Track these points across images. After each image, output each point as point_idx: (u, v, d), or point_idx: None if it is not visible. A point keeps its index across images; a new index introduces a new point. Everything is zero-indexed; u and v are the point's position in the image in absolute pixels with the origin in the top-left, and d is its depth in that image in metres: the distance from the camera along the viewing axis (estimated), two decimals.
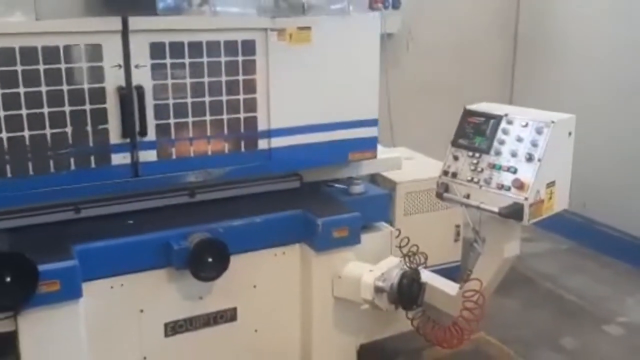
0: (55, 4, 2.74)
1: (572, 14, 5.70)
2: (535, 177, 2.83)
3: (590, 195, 5.52)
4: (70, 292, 2.62)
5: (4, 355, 2.68)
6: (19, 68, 2.63)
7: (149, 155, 2.94)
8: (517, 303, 4.57)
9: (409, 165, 4.19)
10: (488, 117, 3.04)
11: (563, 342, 4.15)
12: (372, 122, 3.43)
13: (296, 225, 3.18)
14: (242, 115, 3.12)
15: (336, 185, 3.52)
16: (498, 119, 3.01)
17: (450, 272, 4.12)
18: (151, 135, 2.93)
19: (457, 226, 4.43)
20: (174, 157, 3.01)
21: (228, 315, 3.11)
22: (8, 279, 2.46)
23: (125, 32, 2.80)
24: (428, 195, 4.19)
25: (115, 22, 2.78)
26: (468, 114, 3.11)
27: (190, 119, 3.00)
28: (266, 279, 3.17)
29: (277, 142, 3.19)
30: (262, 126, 3.16)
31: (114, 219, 2.99)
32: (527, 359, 3.96)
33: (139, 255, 2.85)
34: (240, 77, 3.07)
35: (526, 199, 2.82)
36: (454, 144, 3.10)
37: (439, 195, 3.10)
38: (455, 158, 3.08)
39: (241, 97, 3.09)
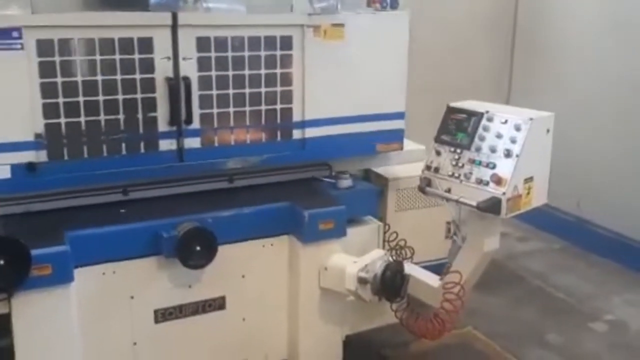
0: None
1: (570, 14, 5.77)
2: (512, 173, 2.92)
3: (585, 195, 5.59)
4: (62, 277, 2.72)
5: (1, 337, 2.77)
6: (77, 58, 2.84)
7: (193, 142, 3.15)
8: (506, 300, 4.66)
9: None
10: (470, 114, 3.14)
11: (548, 338, 4.24)
12: (399, 115, 3.61)
13: (284, 216, 3.27)
14: (278, 107, 3.32)
15: (325, 179, 3.61)
16: (479, 116, 3.10)
17: (441, 268, 4.19)
18: (196, 124, 3.12)
19: (448, 223, 4.48)
20: (216, 144, 3.21)
21: (217, 304, 3.20)
22: (2, 262, 2.57)
23: (174, 27, 2.98)
24: (419, 192, 4.25)
25: (165, 17, 2.97)
26: (451, 111, 3.21)
27: (231, 109, 3.20)
28: (254, 269, 3.27)
29: (311, 132, 3.39)
30: (296, 117, 3.36)
31: (107, 208, 3.08)
32: (513, 353, 4.04)
33: (130, 243, 2.95)
34: (278, 71, 3.27)
35: (504, 193, 2.91)
36: (437, 140, 3.20)
37: (421, 189, 3.19)
38: (438, 153, 3.18)
39: (278, 89, 3.30)
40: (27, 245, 2.60)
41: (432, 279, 3.38)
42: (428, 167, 3.20)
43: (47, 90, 2.81)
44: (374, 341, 3.86)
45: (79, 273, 2.80)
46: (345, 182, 3.51)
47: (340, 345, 3.51)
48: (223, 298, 3.22)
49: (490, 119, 3.07)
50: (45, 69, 2.80)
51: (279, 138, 3.36)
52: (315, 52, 3.31)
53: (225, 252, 3.07)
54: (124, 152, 3.02)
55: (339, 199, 3.38)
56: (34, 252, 2.62)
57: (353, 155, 3.61)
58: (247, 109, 3.25)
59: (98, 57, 2.88)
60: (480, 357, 4.02)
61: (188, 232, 2.93)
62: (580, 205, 5.62)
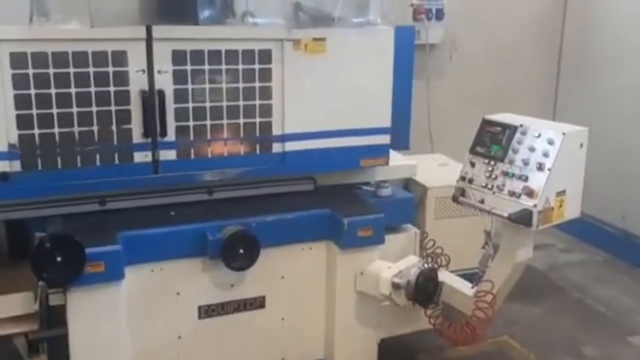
0: (110, 14, 3.02)
1: (618, 27, 5.70)
2: (544, 186, 2.98)
3: (630, 208, 5.54)
4: (114, 274, 2.91)
5: (57, 327, 2.97)
6: (50, 71, 2.91)
7: (168, 154, 3.18)
8: (544, 310, 4.67)
9: (442, 171, 4.35)
10: (504, 127, 3.22)
11: (585, 350, 4.24)
12: (385, 130, 3.60)
13: (324, 223, 3.39)
14: (257, 120, 3.32)
15: (365, 187, 3.72)
16: (513, 129, 3.18)
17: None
18: (171, 136, 3.16)
19: (488, 232, 4.54)
20: (192, 156, 3.23)
21: (257, 303, 3.35)
22: (59, 259, 2.77)
23: (149, 40, 3.03)
24: None
25: (139, 31, 3.01)
26: (486, 123, 3.29)
27: (208, 122, 3.22)
28: (293, 271, 3.40)
29: (291, 146, 3.39)
30: (276, 131, 3.37)
31: (158, 210, 3.27)
32: None
33: (177, 243, 3.12)
34: (257, 84, 3.28)
35: (535, 205, 2.98)
36: (472, 151, 3.29)
37: (455, 199, 3.29)
38: (472, 165, 3.27)
39: (257, 102, 3.31)
40: (82, 243, 2.81)
41: (466, 287, 3.46)
42: (462, 178, 3.29)
43: (21, 102, 2.88)
44: (409, 345, 3.94)
45: (129, 270, 2.97)
46: (385, 191, 3.62)
47: (376, 348, 3.61)
48: (263, 297, 3.36)
49: (524, 133, 3.14)
50: (19, 81, 2.85)
51: (258, 151, 3.36)
52: (295, 66, 3.29)
53: (267, 255, 3.21)
54: (98, 163, 3.06)
55: (377, 207, 3.48)
56: (89, 250, 2.81)
57: (336, 169, 3.58)
58: (225, 121, 3.25)
59: (72, 70, 2.92)
60: None
61: (232, 235, 3.09)
62: (625, 218, 5.57)
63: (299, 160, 3.43)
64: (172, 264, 3.14)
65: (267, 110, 3.33)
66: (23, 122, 2.90)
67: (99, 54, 2.96)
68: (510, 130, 3.18)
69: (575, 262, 5.50)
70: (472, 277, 3.75)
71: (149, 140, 3.12)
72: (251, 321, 3.35)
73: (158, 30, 3.03)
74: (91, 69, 2.96)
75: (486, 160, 3.21)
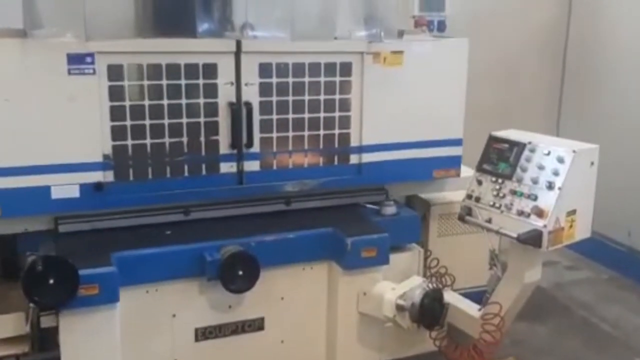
0: (106, 26, 2.96)
1: (621, 42, 5.65)
2: (554, 205, 2.89)
3: (636, 225, 5.45)
4: (108, 297, 2.81)
5: (49, 349, 2.90)
6: (145, 83, 3.00)
7: (253, 165, 3.26)
8: (550, 329, 4.56)
9: None
10: (512, 144, 3.13)
11: None
12: (457, 142, 3.64)
13: (326, 242, 3.29)
14: (336, 132, 3.41)
15: (368, 205, 3.62)
16: (521, 146, 3.09)
17: (483, 296, 4.16)
18: (256, 147, 3.23)
19: (492, 250, 4.45)
20: (274, 167, 3.32)
21: (256, 325, 3.26)
22: (51, 281, 2.67)
23: (238, 53, 3.11)
24: None
25: (230, 44, 3.11)
26: (493, 140, 3.20)
27: (290, 134, 3.31)
28: (293, 292, 3.31)
29: (368, 157, 3.47)
30: (354, 142, 3.44)
31: (153, 229, 3.17)
32: None
33: (174, 264, 3.03)
34: (337, 96, 3.37)
35: (545, 226, 2.88)
36: (479, 168, 3.20)
37: (461, 218, 3.19)
38: (479, 182, 3.17)
39: (337, 114, 3.38)
40: (75, 265, 2.70)
41: (472, 309, 3.36)
42: (469, 196, 3.19)
43: (116, 113, 2.97)
44: None
45: (123, 291, 2.88)
46: (389, 209, 3.52)
47: None
48: (262, 319, 3.27)
49: (532, 150, 3.05)
50: (115, 93, 2.95)
51: (336, 162, 3.44)
52: (374, 78, 3.39)
53: (266, 275, 3.12)
54: (186, 173, 3.13)
55: (382, 226, 3.39)
56: (82, 272, 2.72)
57: (409, 180, 3.65)
58: (306, 133, 3.34)
59: (165, 82, 3.01)
60: None
61: (231, 256, 2.99)
62: (631, 235, 5.48)
63: (374, 172, 3.49)
64: (168, 285, 3.05)
65: (346, 122, 3.41)
66: (117, 133, 2.99)
67: (191, 66, 3.05)
68: (518, 147, 3.09)
69: (581, 279, 5.40)
70: (476, 295, 3.68)
71: (235, 151, 3.20)
72: (250, 344, 3.25)
73: (247, 44, 3.13)
74: (183, 81, 3.04)
75: (493, 178, 3.12)
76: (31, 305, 2.79)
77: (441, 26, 5.49)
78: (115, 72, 2.94)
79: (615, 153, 5.27)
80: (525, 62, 6.10)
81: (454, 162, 3.65)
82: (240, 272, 3.03)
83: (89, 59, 2.87)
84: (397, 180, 3.60)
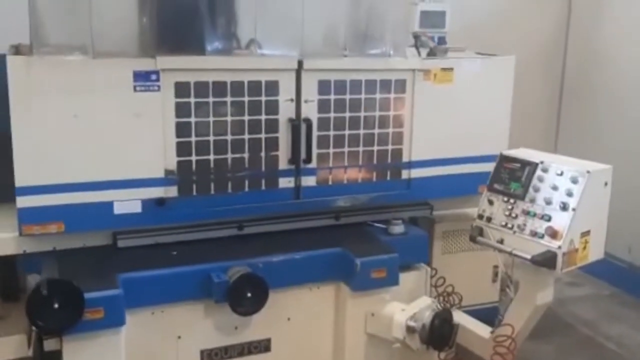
0: (111, 45, 2.92)
1: (620, 59, 5.65)
2: (569, 226, 2.85)
3: (636, 240, 5.43)
4: (114, 320, 2.74)
5: None
6: (210, 100, 3.04)
7: (309, 180, 3.31)
8: (556, 348, 4.51)
9: None
10: (524, 163, 3.09)
11: None
12: None
13: (334, 263, 3.24)
14: (389, 147, 3.47)
15: (376, 224, 3.57)
16: (534, 166, 3.06)
17: (487, 313, 4.09)
18: (313, 163, 3.28)
19: (496, 267, 4.41)
20: (330, 183, 3.36)
21: (262, 346, 3.19)
22: (56, 305, 2.59)
23: (299, 71, 3.17)
24: (466, 235, 4.19)
25: (292, 61, 3.16)
26: (504, 159, 3.16)
27: (346, 149, 3.36)
28: (300, 313, 3.25)
29: (417, 172, 3.53)
30: (405, 157, 3.51)
31: (157, 249, 3.10)
32: None
33: (181, 286, 2.96)
34: (391, 113, 3.43)
35: (560, 247, 2.84)
36: (490, 188, 3.16)
37: (473, 239, 3.14)
38: (490, 202, 3.13)
39: (390, 130, 3.44)
40: (80, 288, 2.63)
41: (482, 329, 3.32)
42: (480, 216, 3.15)
43: (182, 130, 3.00)
44: None
45: (128, 313, 2.80)
46: (397, 228, 3.47)
47: None
48: (268, 340, 3.21)
49: (545, 170, 3.01)
50: (181, 110, 2.98)
51: (388, 177, 3.48)
52: (425, 95, 3.45)
53: (273, 296, 3.06)
54: (246, 188, 3.15)
55: (391, 245, 3.34)
56: (87, 295, 2.64)
57: (455, 195, 3.68)
58: (361, 149, 3.39)
59: (229, 99, 3.04)
60: None
61: (240, 278, 2.92)
62: (631, 252, 5.46)
63: (423, 187, 3.53)
64: (173, 306, 2.98)
65: (398, 138, 3.46)
66: (182, 148, 3.02)
67: (254, 83, 3.11)
68: (530, 167, 3.06)
69: (583, 296, 5.36)
70: (480, 313, 3.65)
71: (293, 166, 3.24)
72: None
73: (308, 62, 3.19)
74: (246, 98, 3.10)
75: (505, 198, 3.08)
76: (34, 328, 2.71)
77: (441, 42, 5.48)
78: (182, 89, 2.98)
79: (615, 169, 5.27)
80: (523, 78, 6.05)
81: None
82: (249, 295, 2.96)
83: (154, 77, 2.90)
84: (444, 196, 3.65)
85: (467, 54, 3.92)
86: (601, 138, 5.68)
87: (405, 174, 3.51)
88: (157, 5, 3.00)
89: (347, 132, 3.34)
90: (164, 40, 2.97)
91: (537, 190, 3.00)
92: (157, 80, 2.91)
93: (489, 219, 3.11)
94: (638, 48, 5.47)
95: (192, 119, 3.02)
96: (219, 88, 3.04)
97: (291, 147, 3.21)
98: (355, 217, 3.51)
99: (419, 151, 3.50)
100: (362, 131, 3.36)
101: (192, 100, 3.00)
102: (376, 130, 3.40)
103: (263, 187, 3.21)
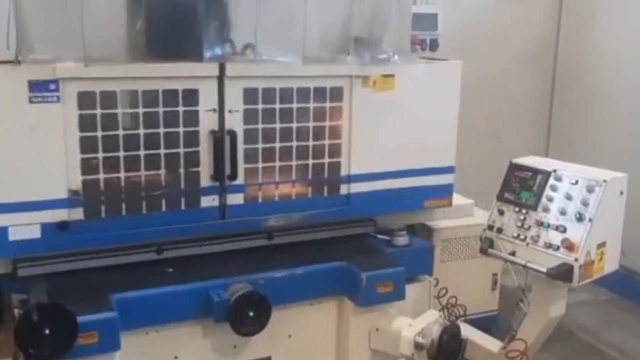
0: (102, 51, 2.75)
1: (611, 62, 5.62)
2: (585, 238, 2.76)
3: (630, 243, 5.38)
4: (109, 345, 2.57)
5: None
6: (120, 111, 2.74)
7: (236, 198, 3.01)
8: (558, 357, 4.43)
9: None
10: (535, 172, 2.99)
11: None
12: (449, 170, 3.43)
13: (338, 277, 3.09)
14: (326, 160, 3.19)
15: (379, 235, 3.42)
16: (546, 174, 2.95)
17: (487, 322, 4.01)
18: (240, 179, 2.99)
19: (495, 275, 4.34)
20: (259, 200, 3.07)
21: None
22: (47, 331, 2.42)
23: (221, 78, 2.88)
24: (465, 243, 4.13)
25: (213, 68, 2.87)
26: (514, 167, 3.05)
27: (277, 164, 3.08)
28: (302, 329, 3.11)
29: (356, 187, 3.23)
30: (343, 171, 3.23)
31: (152, 266, 2.94)
32: None
33: (178, 305, 2.80)
34: (327, 123, 3.15)
35: (576, 259, 2.75)
36: (500, 198, 3.05)
37: (484, 251, 3.03)
38: (501, 212, 3.02)
39: (326, 142, 3.17)
40: (73, 312, 2.46)
41: (491, 344, 3.21)
42: (490, 227, 3.04)
43: (87, 145, 2.70)
44: None
45: (122, 334, 2.62)
46: (401, 240, 3.33)
47: None
48: (268, 359, 3.06)
49: (558, 179, 2.91)
50: (85, 123, 2.68)
51: (325, 194, 3.21)
52: (364, 103, 3.17)
53: (273, 313, 2.90)
54: (163, 209, 2.88)
55: (395, 258, 3.20)
56: (80, 318, 2.47)
57: (400, 211, 3.41)
58: (294, 163, 3.11)
59: (141, 110, 2.77)
60: None
61: (241, 297, 2.77)
62: (625, 255, 5.39)
63: (364, 202, 3.26)
64: (170, 326, 2.82)
65: (335, 150, 3.19)
66: (88, 166, 2.73)
67: (170, 92, 2.81)
68: (542, 175, 2.95)
69: (581, 302, 5.26)
70: (481, 322, 3.56)
71: (217, 183, 2.95)
72: None
73: (231, 68, 2.90)
74: (161, 109, 2.80)
75: (517, 208, 2.97)
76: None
77: (433, 45, 5.40)
78: (86, 100, 2.67)
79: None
80: (514, 81, 6.05)
81: (445, 191, 3.44)
82: (251, 314, 2.81)
83: (52, 86, 2.60)
84: (387, 212, 3.36)
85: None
86: (593, 141, 5.66)
87: (344, 189, 3.23)
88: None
89: (277, 144, 3.06)
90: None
91: (550, 199, 2.89)
92: (57, 90, 2.62)
93: (500, 230, 3.00)
94: (629, 50, 5.45)
95: (99, 133, 2.71)
96: (129, 98, 2.76)
97: (214, 162, 2.93)
98: (289, 237, 3.20)
99: (358, 164, 3.22)
100: (294, 143, 3.09)
101: (99, 112, 2.70)
102: (311, 142, 3.13)
103: (183, 207, 2.91)
